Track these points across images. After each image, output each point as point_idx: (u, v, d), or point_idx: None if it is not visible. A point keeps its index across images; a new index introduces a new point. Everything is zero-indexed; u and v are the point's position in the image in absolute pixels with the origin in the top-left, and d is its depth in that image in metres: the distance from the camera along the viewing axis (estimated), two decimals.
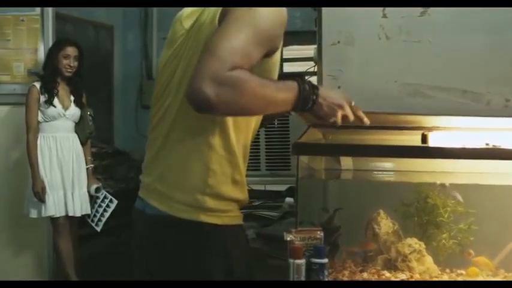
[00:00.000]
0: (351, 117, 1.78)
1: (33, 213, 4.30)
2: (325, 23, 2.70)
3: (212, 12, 1.70)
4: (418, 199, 2.22)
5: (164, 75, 1.82)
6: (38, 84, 4.33)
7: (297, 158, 2.01)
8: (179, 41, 1.82)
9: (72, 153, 4.41)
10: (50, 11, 4.59)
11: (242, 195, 1.77)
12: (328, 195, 2.31)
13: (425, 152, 2.16)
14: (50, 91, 4.32)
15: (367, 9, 2.65)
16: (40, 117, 4.34)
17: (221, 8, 1.67)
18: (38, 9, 4.55)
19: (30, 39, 4.67)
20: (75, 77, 4.44)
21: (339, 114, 1.74)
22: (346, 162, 2.32)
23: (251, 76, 1.54)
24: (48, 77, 4.36)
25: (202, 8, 1.78)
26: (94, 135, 4.64)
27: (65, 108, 4.40)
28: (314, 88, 1.68)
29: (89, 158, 4.55)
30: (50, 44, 4.56)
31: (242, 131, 1.74)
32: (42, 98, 4.32)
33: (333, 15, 2.69)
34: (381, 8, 2.60)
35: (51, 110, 4.32)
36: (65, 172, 4.37)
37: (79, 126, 4.49)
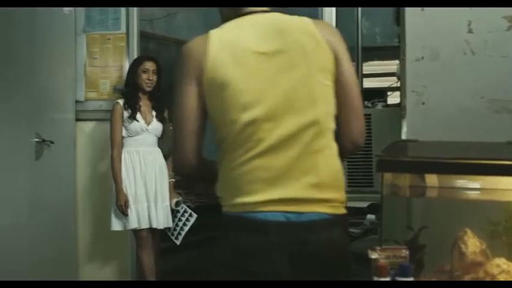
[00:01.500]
0: None
1: (117, 227, 4.39)
2: (409, 38, 2.68)
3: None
4: (507, 218, 2.16)
5: None
6: (121, 101, 4.44)
7: (381, 176, 1.99)
8: None
9: (155, 167, 4.47)
10: (135, 29, 4.71)
11: None
12: (412, 213, 2.27)
13: None
14: (132, 106, 4.41)
15: (452, 24, 2.62)
16: (124, 133, 4.43)
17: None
18: (123, 28, 4.68)
19: (116, 57, 4.81)
20: (156, 92, 4.50)
21: None
22: (431, 179, 2.27)
23: None
24: (130, 92, 4.45)
25: None
26: None
27: (148, 123, 4.46)
28: None
29: (170, 172, 4.59)
30: None
31: None
32: (126, 114, 4.42)
33: (417, 31, 2.66)
34: (466, 23, 2.57)
35: (134, 125, 4.41)
36: (148, 185, 4.43)
37: (162, 141, 4.55)
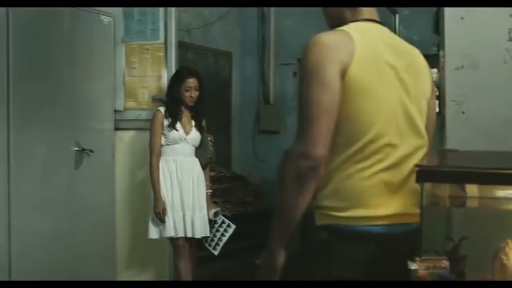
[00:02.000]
0: None
1: (154, 235, 4.41)
2: (449, 47, 2.65)
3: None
4: None
5: None
6: (162, 109, 4.46)
7: (421, 186, 1.98)
8: None
9: (193, 176, 4.48)
10: (173, 39, 4.74)
11: None
12: (453, 224, 2.25)
13: None
14: (173, 116, 4.43)
15: (492, 33, 2.59)
16: (163, 141, 4.45)
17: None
18: (161, 38, 4.73)
19: (154, 66, 4.85)
20: (197, 105, 4.53)
21: None
22: (472, 189, 2.25)
23: None
24: (172, 104, 4.47)
25: None
26: (214, 160, 4.70)
27: (187, 132, 4.48)
28: None
29: (207, 183, 4.61)
30: (173, 71, 4.70)
31: None
32: (166, 122, 4.43)
33: (457, 39, 2.64)
34: (507, 31, 2.54)
35: (173, 134, 4.42)
36: (185, 194, 4.44)
37: (200, 151, 4.57)
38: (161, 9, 4.74)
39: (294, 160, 1.85)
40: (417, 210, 1.97)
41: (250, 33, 7.20)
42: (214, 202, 4.85)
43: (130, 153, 4.93)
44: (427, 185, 2.17)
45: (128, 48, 4.89)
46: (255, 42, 7.21)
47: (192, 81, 4.47)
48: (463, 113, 2.58)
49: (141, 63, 4.85)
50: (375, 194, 1.90)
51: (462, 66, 2.60)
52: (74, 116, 4.52)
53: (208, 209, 4.56)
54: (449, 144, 2.60)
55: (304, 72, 1.89)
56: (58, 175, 4.38)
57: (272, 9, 7.03)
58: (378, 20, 2.06)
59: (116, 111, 4.88)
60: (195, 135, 4.52)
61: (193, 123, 4.54)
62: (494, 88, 2.57)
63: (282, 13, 7.05)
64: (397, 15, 5.34)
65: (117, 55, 4.87)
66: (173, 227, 4.37)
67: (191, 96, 4.46)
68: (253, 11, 7.15)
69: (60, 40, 4.43)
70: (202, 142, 4.58)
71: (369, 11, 2.05)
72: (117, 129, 4.88)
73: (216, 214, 4.62)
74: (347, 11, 2.05)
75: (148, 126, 4.47)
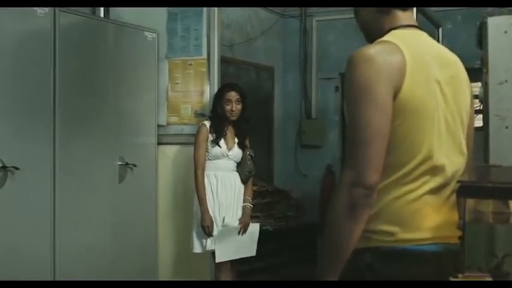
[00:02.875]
0: None
1: (198, 249, 4.43)
2: (492, 61, 2.63)
3: None
4: None
5: None
6: (208, 123, 4.47)
7: (463, 201, 1.96)
8: None
9: (234, 192, 4.49)
10: (215, 55, 4.78)
11: None
12: (496, 240, 2.21)
13: None
14: (217, 132, 4.44)
15: None
16: (205, 155, 4.46)
17: None
18: (204, 54, 4.77)
19: (197, 81, 4.89)
20: (241, 119, 4.53)
21: None
22: None
23: None
24: (215, 120, 4.48)
25: None
26: (254, 174, 4.65)
27: (229, 149, 4.49)
28: None
29: (247, 197, 4.59)
30: (216, 86, 4.74)
31: None
32: (210, 137, 4.44)
33: (500, 54, 2.61)
34: None
35: (215, 150, 4.43)
36: (226, 209, 4.44)
37: (240, 166, 4.57)
38: (204, 25, 4.79)
39: (347, 188, 1.75)
40: (458, 231, 1.95)
41: (292, 48, 7.22)
42: (256, 217, 4.87)
43: (173, 168, 4.97)
44: (470, 201, 2.15)
45: (171, 64, 4.95)
46: (296, 56, 7.21)
47: (232, 94, 4.46)
48: (506, 127, 2.55)
49: (184, 79, 4.90)
50: (421, 217, 1.86)
51: (506, 81, 2.57)
52: (118, 131, 4.59)
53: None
54: (493, 159, 2.57)
55: (353, 90, 1.78)
56: (102, 189, 4.45)
57: (314, 23, 7.05)
58: (416, 24, 1.99)
59: (159, 126, 4.94)
60: (237, 152, 4.53)
61: (236, 140, 4.55)
62: None
63: (324, 27, 7.06)
64: (440, 29, 5.29)
65: (160, 71, 4.94)
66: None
67: (232, 110, 4.45)
68: (295, 26, 7.18)
69: (105, 56, 4.51)
70: (244, 158, 4.56)
71: (406, 16, 1.97)
72: (160, 143, 4.93)
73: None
74: (383, 18, 1.96)
75: (191, 140, 4.51)
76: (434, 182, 1.87)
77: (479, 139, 2.72)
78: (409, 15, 1.99)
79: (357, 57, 1.79)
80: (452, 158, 1.92)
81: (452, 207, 1.97)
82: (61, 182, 4.07)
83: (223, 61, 5.30)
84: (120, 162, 4.55)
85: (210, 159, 4.46)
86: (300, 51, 7.18)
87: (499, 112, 2.55)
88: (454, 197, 1.96)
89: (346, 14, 6.03)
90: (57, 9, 4.04)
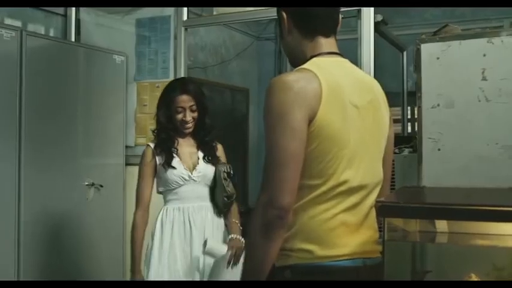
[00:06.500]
0: None
1: None
2: (425, 86, 2.73)
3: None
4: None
5: None
6: (152, 144, 3.43)
7: (383, 220, 2.04)
8: None
9: (205, 227, 3.38)
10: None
11: None
12: (416, 258, 2.30)
13: None
14: (166, 150, 3.39)
15: (466, 73, 2.66)
16: (161, 186, 3.43)
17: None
18: (171, 76, 4.84)
19: None
20: (201, 131, 3.47)
21: None
22: (437, 224, 2.30)
23: None
24: (162, 134, 3.44)
25: None
26: (234, 197, 3.48)
27: (190, 168, 3.39)
28: None
29: (234, 220, 3.50)
30: None
31: None
32: (158, 160, 3.37)
33: (433, 78, 2.71)
34: (481, 71, 2.61)
35: (170, 174, 3.34)
36: (194, 259, 3.33)
37: (215, 190, 3.44)
38: (171, 48, 4.89)
39: (261, 209, 1.81)
40: (378, 247, 2.05)
41: (268, 70, 7.33)
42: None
43: None
44: (398, 220, 2.24)
45: (139, 86, 5.05)
46: (271, 78, 7.32)
47: (184, 100, 3.36)
48: (439, 150, 2.65)
49: (151, 101, 4.97)
50: (337, 235, 1.94)
51: (438, 105, 2.67)
52: (86, 152, 4.67)
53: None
54: (426, 181, 2.67)
55: (270, 116, 1.84)
56: (69, 209, 4.50)
57: None
58: (338, 51, 2.07)
59: (127, 146, 5.03)
60: (204, 169, 3.39)
61: (200, 154, 3.43)
62: (469, 126, 2.63)
63: None
64: (404, 53, 5.41)
65: (129, 93, 5.03)
66: None
67: (184, 120, 3.37)
68: (270, 48, 7.30)
69: (73, 78, 4.60)
70: (218, 178, 3.42)
71: (328, 43, 2.06)
72: (128, 164, 5.00)
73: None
74: (307, 45, 2.05)
75: None
76: (349, 201, 1.95)
77: (414, 161, 2.82)
78: (332, 42, 2.08)
79: (275, 84, 1.87)
80: (367, 179, 2.00)
81: (371, 224, 2.05)
82: (27, 202, 4.12)
83: (197, 83, 5.36)
84: (87, 183, 4.61)
85: (170, 189, 3.38)
86: (274, 73, 7.29)
87: (431, 135, 2.65)
88: (373, 214, 2.05)
89: None
90: (24, 32, 4.13)
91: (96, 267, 4.68)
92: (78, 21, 5.10)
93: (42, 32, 4.89)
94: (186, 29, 4.85)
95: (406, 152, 3.17)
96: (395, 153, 3.22)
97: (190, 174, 3.35)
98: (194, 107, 3.37)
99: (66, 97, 4.53)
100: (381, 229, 2.14)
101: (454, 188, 2.34)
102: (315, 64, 1.96)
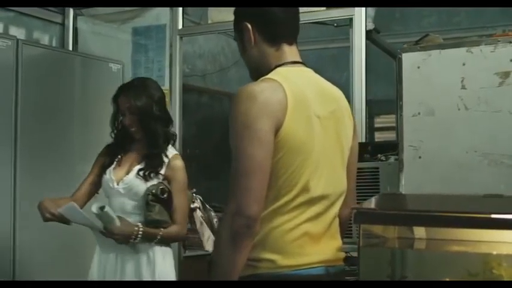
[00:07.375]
0: None
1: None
2: (406, 94, 2.77)
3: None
4: (485, 270, 2.19)
5: None
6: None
7: (358, 227, 2.08)
8: None
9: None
10: (177, 85, 4.90)
11: None
12: (391, 264, 2.33)
13: (493, 222, 2.14)
14: (111, 154, 3.24)
15: (446, 82, 2.71)
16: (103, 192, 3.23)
17: None
18: (166, 84, 4.90)
19: None
20: (152, 137, 3.13)
21: None
22: (419, 230, 2.34)
23: None
24: (116, 138, 3.27)
25: None
26: (163, 224, 3.05)
27: (118, 178, 3.10)
28: None
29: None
30: (177, 115, 4.86)
31: None
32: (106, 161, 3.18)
33: (414, 87, 2.76)
34: (460, 80, 2.65)
35: (103, 180, 3.17)
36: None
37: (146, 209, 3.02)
38: (167, 57, 4.94)
39: (229, 218, 1.84)
40: (341, 254, 2.09)
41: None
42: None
43: None
44: (378, 227, 2.28)
45: None
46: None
47: (122, 101, 3.11)
48: (419, 157, 2.69)
49: None
50: (300, 244, 1.97)
51: (419, 113, 2.71)
52: (83, 159, 4.69)
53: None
54: (407, 188, 2.71)
55: (236, 126, 1.85)
56: None
57: None
58: (301, 60, 2.11)
59: None
60: (131, 183, 3.05)
61: (136, 166, 3.10)
62: (449, 134, 2.67)
63: None
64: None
65: None
66: None
67: (126, 124, 3.12)
68: None
69: (70, 87, 4.65)
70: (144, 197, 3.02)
71: (292, 52, 2.09)
72: None
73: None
74: (271, 54, 2.06)
75: None
76: (312, 211, 1.99)
77: (395, 168, 2.86)
78: (295, 51, 2.12)
79: (241, 94, 1.89)
80: (330, 189, 2.05)
81: (334, 233, 2.10)
82: (22, 209, 4.15)
83: (196, 90, 5.42)
84: None
85: (105, 196, 3.18)
86: None
87: (412, 143, 2.69)
88: (336, 223, 2.10)
89: (316, 45, 6.21)
90: (20, 41, 4.19)
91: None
92: (75, 30, 5.17)
93: (41, 41, 4.95)
94: (181, 38, 4.91)
95: (392, 159, 3.21)
96: (381, 160, 3.26)
97: (115, 184, 3.09)
98: (132, 109, 3.07)
99: (63, 105, 4.58)
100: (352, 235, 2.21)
101: (431, 194, 2.39)
102: (280, 74, 1.98)
